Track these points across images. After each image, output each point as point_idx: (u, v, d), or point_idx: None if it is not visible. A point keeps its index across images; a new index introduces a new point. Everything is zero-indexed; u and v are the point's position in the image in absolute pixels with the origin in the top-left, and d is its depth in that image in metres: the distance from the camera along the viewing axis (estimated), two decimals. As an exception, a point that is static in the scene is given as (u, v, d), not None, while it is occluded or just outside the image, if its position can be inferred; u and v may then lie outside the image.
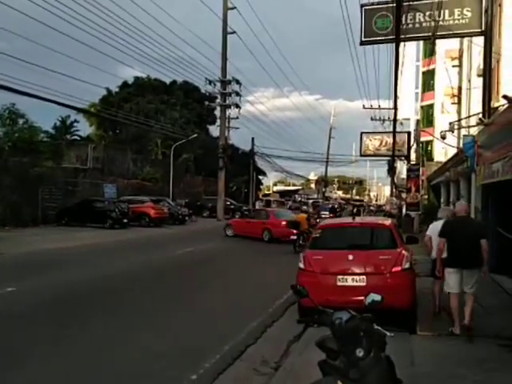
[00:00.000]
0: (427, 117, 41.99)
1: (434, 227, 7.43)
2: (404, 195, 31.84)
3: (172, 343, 6.16)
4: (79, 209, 24.94)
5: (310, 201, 62.14)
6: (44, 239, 18.47)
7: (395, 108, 25.14)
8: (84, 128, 49.03)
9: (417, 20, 14.80)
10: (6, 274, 11.11)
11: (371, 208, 65.69)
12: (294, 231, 17.45)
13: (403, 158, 36.50)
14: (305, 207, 46.48)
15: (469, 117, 18.85)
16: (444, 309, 7.14)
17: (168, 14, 40.08)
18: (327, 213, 36.97)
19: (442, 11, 14.05)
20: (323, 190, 76.34)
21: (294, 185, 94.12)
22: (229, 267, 13.38)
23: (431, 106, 41.76)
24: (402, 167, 44.84)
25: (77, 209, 25.03)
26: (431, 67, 39.21)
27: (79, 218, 24.53)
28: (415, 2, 14.58)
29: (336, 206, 48.13)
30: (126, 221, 24.85)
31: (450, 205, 16.82)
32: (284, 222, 20.07)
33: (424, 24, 14.76)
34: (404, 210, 29.63)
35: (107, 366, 5.35)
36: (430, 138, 34.18)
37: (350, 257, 6.79)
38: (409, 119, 48.49)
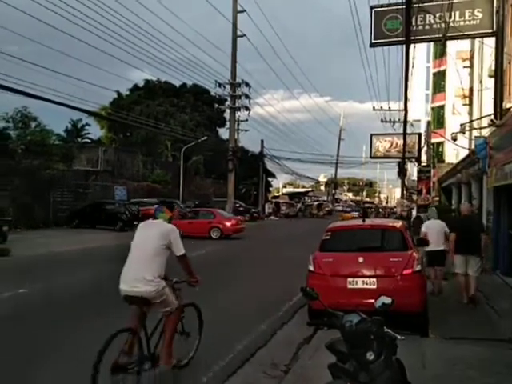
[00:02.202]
0: (438, 118, 41.71)
1: (429, 224, 9.42)
2: (415, 197, 31.60)
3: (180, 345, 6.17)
4: (90, 211, 25.16)
5: (315, 203, 62.42)
6: (55, 241, 18.65)
7: (405, 109, 24.98)
8: (95, 131, 49.57)
9: (427, 21, 14.69)
10: (18, 276, 11.24)
11: (388, 210, 63.49)
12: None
13: (414, 160, 36.24)
14: (349, 208, 53.05)
15: (480, 118, 18.67)
16: (440, 292, 8.94)
17: (177, 17, 40.40)
18: (357, 213, 44.58)
19: (452, 12, 13.94)
20: (333, 191, 76.11)
21: (303, 187, 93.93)
22: (240, 268, 13.34)
23: (442, 108, 41.46)
24: (412, 169, 44.55)
25: (88, 211, 25.26)
26: (442, 68, 38.99)
27: (90, 220, 24.74)
28: (425, 4, 14.50)
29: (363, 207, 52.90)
30: (136, 223, 24.96)
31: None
32: (234, 221, 22.75)
33: (434, 25, 14.64)
34: (415, 212, 29.39)
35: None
36: (441, 139, 33.96)
37: (361, 259, 6.74)
38: (419, 121, 48.17)
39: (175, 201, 32.44)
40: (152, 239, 4.55)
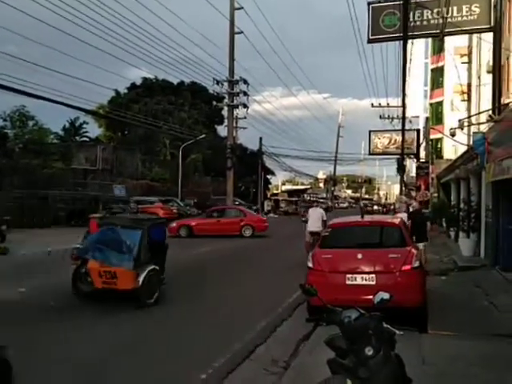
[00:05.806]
0: (436, 114, 41.62)
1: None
2: (414, 193, 31.59)
3: (181, 343, 6.18)
4: (89, 210, 25.12)
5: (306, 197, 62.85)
6: (54, 240, 18.58)
7: (403, 106, 24.98)
8: (93, 129, 49.45)
9: (425, 17, 14.65)
10: (17, 275, 11.20)
11: (390, 206, 57.30)
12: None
13: (412, 156, 36.23)
14: (376, 207, 55.75)
15: (479, 114, 18.64)
16: None
17: (175, 14, 40.22)
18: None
19: (450, 8, 13.92)
20: (332, 188, 76.10)
21: (302, 184, 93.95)
22: (240, 267, 13.32)
23: (440, 104, 41.36)
24: (411, 165, 44.53)
25: (86, 209, 25.22)
26: (440, 64, 38.79)
27: (89, 219, 24.70)
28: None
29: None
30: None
31: (461, 203, 16.95)
32: (265, 218, 24.06)
33: (432, 21, 14.61)
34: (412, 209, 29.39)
35: (113, 366, 5.37)
36: (439, 135, 33.91)
37: (359, 255, 6.74)
38: (418, 117, 48.11)
39: (174, 199, 32.51)
40: (318, 213, 13.47)
